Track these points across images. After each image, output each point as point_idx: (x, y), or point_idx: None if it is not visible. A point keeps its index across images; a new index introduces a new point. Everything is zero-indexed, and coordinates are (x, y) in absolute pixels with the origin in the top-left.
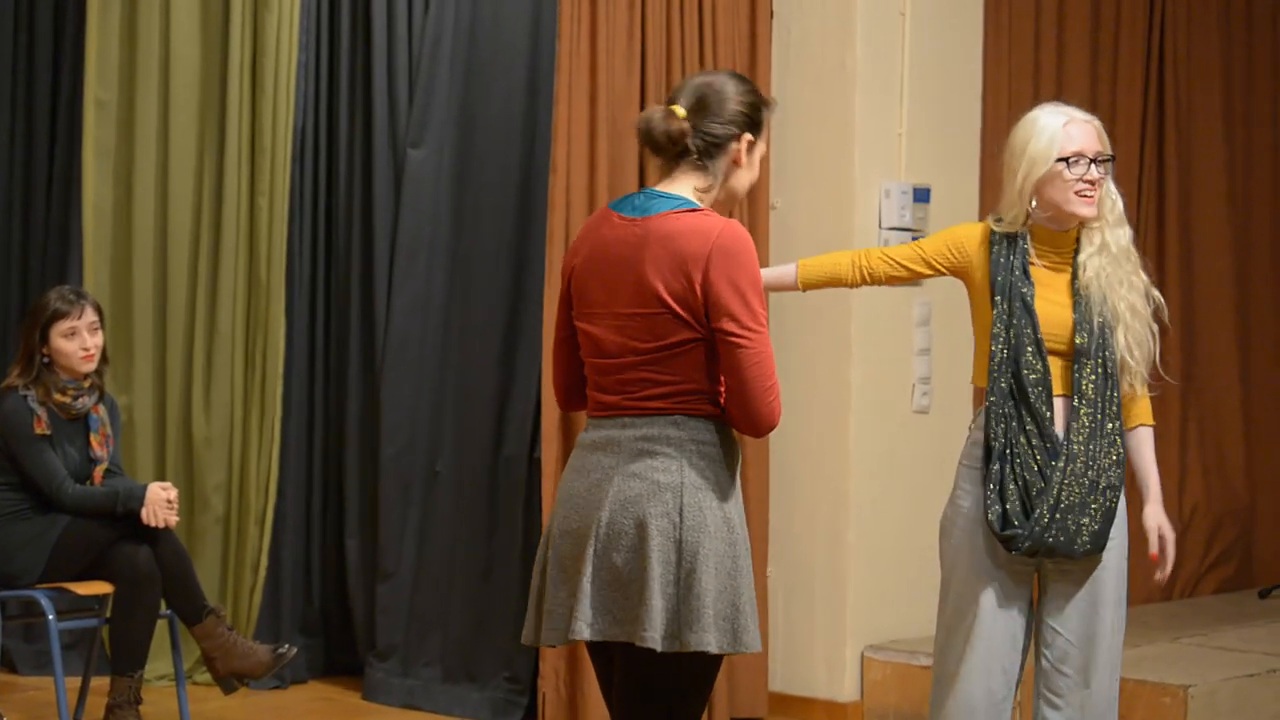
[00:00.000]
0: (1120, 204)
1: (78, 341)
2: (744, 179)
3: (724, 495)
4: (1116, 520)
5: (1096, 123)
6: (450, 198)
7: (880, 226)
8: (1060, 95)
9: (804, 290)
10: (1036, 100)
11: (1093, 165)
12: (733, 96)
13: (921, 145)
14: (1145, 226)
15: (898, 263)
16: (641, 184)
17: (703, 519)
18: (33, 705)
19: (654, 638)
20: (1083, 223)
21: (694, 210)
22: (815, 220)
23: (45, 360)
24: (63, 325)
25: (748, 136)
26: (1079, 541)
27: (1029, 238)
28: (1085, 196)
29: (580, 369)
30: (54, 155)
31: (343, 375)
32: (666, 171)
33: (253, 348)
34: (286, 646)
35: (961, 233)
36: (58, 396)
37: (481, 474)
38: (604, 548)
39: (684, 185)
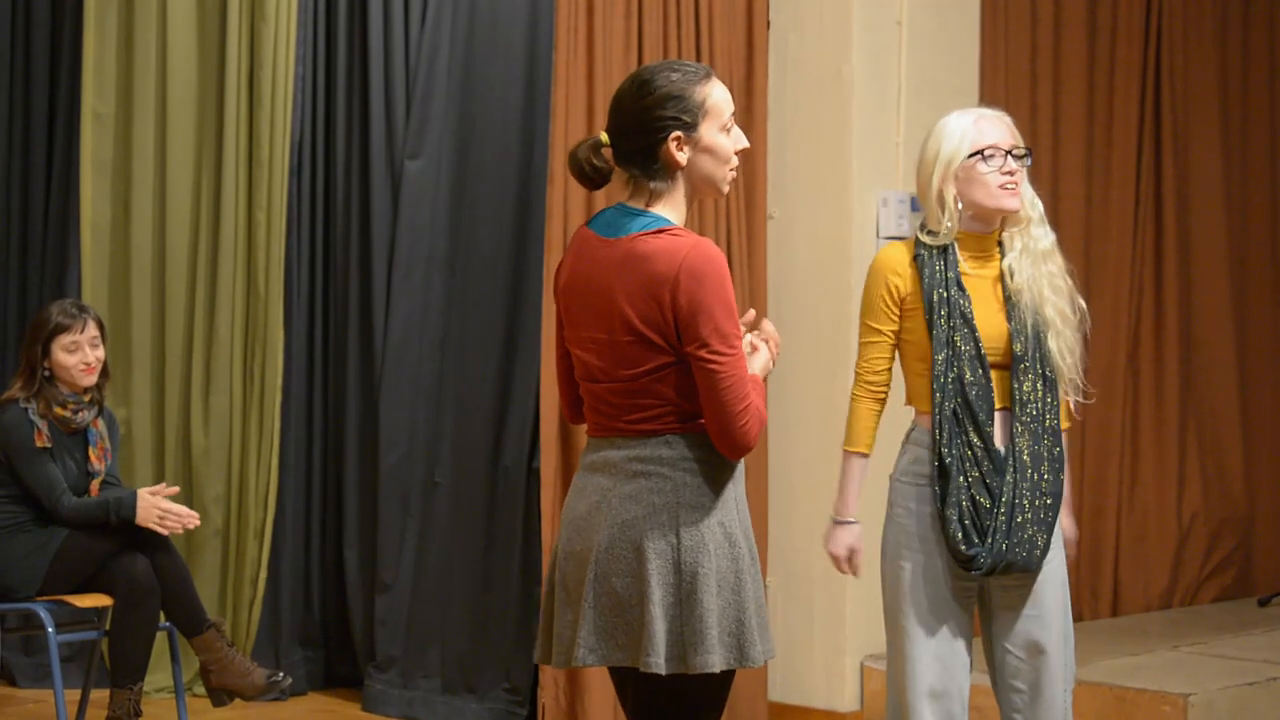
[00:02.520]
0: (1040, 206)
1: (79, 355)
2: (704, 168)
3: (722, 510)
4: (1056, 528)
5: (1008, 119)
6: (448, 209)
7: (878, 235)
8: (1057, 104)
9: (870, 452)
10: (1033, 109)
11: (1009, 157)
12: (633, 108)
13: (918, 154)
14: (1143, 234)
15: (879, 361)
16: None
17: (701, 538)
18: (32, 718)
19: (658, 662)
20: (1004, 224)
21: (663, 230)
22: (813, 229)
23: (46, 374)
24: (64, 339)
25: (676, 134)
26: (1034, 555)
27: (956, 247)
28: (1007, 189)
29: (577, 386)
30: (51, 168)
31: (341, 387)
32: (629, 184)
33: (251, 360)
34: (281, 675)
35: (883, 275)
36: (58, 410)
37: (480, 485)
38: (603, 571)
39: (650, 199)
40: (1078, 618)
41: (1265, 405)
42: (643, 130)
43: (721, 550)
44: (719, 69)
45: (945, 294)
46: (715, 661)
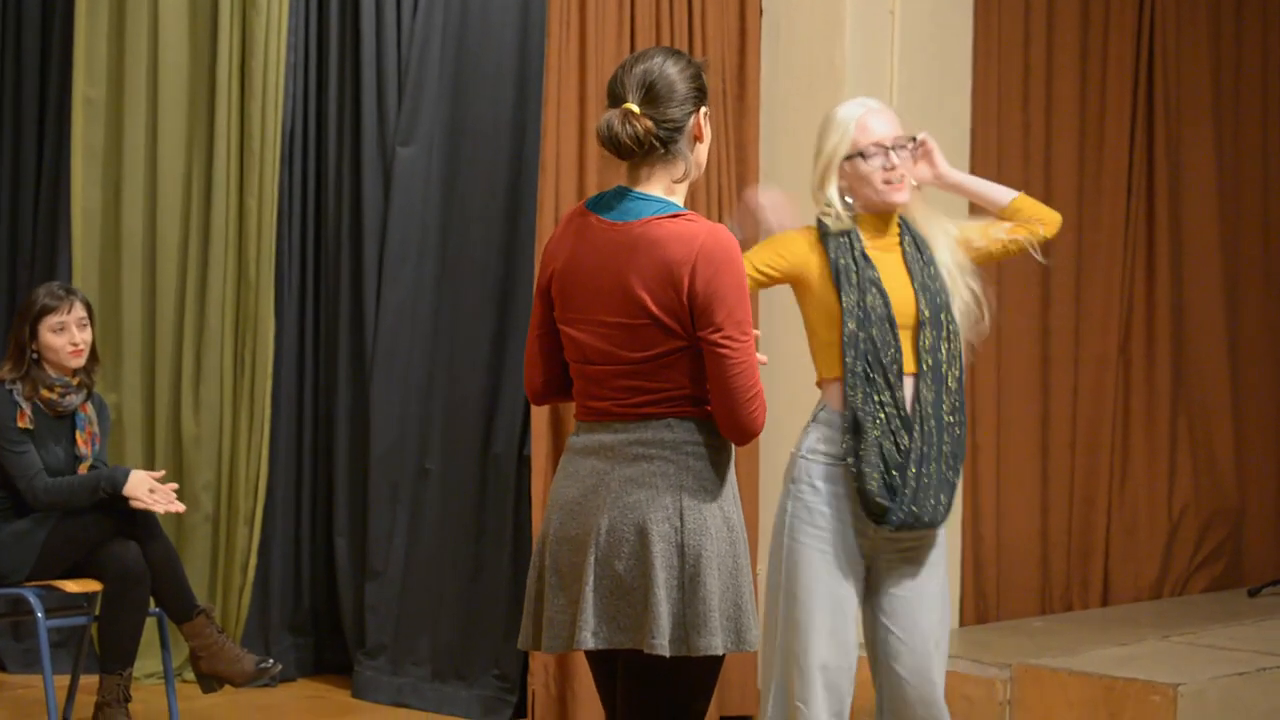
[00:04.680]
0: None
1: (66, 336)
2: (704, 150)
3: (722, 495)
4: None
5: (890, 111)
6: (439, 197)
7: None
8: (1049, 94)
9: None
10: (1026, 99)
11: (891, 152)
12: (679, 77)
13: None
14: (1134, 225)
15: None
16: None
17: (704, 521)
18: (21, 704)
19: (662, 644)
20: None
21: (677, 215)
22: (805, 218)
23: (35, 356)
24: (51, 320)
25: (703, 109)
26: (938, 512)
27: (859, 229)
28: (892, 184)
29: (556, 366)
30: (42, 155)
31: (332, 374)
32: (636, 167)
33: (242, 347)
34: (271, 661)
35: (786, 238)
36: (45, 393)
37: (471, 472)
38: (605, 555)
39: (659, 182)
40: (1068, 608)
41: (1256, 397)
42: (682, 100)
43: (721, 534)
44: (711, 58)
45: (852, 264)
46: (717, 644)
